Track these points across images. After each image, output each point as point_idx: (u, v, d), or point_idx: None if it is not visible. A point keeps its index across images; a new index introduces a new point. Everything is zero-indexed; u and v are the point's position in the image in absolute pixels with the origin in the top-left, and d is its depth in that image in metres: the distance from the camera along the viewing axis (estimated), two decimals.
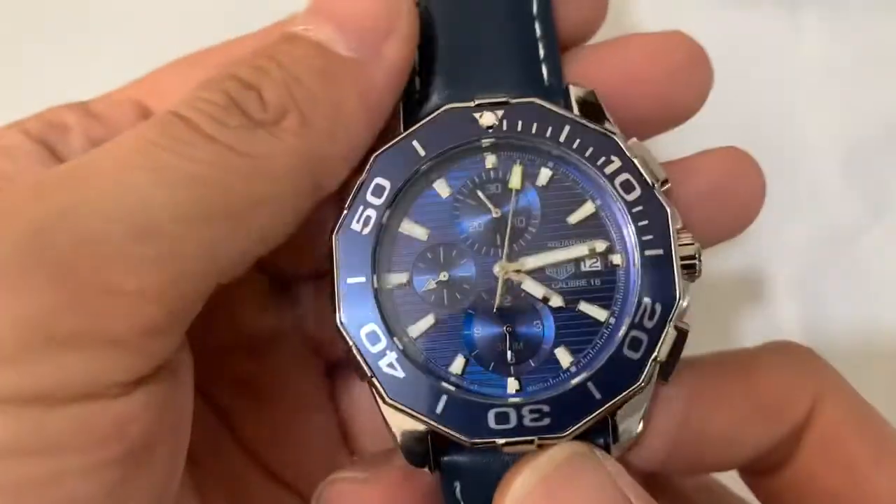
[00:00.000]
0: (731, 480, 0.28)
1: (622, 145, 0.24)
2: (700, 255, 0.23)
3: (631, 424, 0.23)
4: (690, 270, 0.23)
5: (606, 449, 0.23)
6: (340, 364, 0.28)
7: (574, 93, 0.25)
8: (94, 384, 0.18)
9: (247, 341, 0.27)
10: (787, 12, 0.40)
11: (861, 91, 0.39)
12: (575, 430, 0.22)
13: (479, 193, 0.24)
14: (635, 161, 0.23)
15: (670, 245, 0.23)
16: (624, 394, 0.22)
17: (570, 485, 0.21)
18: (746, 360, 0.26)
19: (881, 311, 0.38)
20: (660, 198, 0.23)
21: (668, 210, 0.23)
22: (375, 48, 0.22)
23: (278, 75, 0.21)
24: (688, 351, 0.37)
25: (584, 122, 0.24)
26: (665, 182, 0.24)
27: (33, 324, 0.18)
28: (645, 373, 0.23)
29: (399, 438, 0.23)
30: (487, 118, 0.24)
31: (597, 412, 0.22)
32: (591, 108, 0.24)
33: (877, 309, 0.38)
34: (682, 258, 0.23)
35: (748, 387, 0.25)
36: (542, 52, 0.25)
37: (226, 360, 0.27)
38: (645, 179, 0.23)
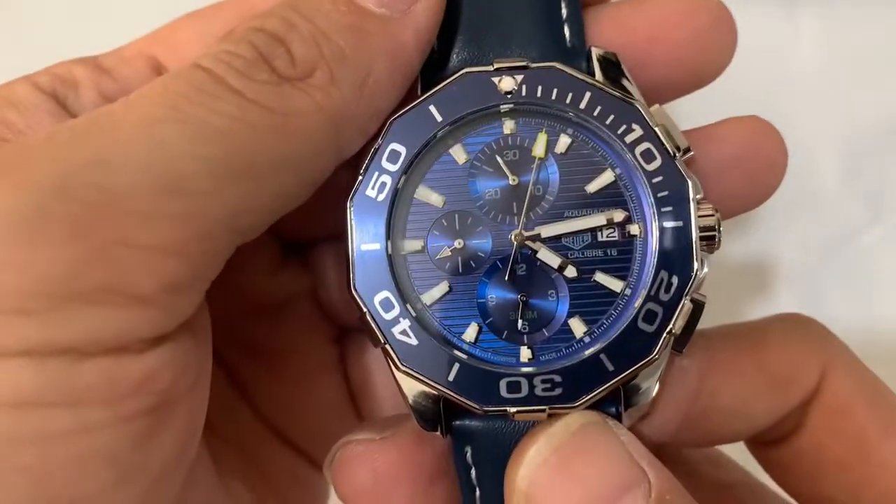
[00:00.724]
0: (737, 452, 0.28)
1: (644, 113, 0.23)
2: (720, 227, 0.23)
3: (646, 390, 0.23)
4: (710, 242, 0.23)
5: (618, 417, 0.23)
6: (352, 330, 0.28)
7: (596, 54, 0.24)
8: (119, 339, 0.18)
9: (258, 305, 0.27)
10: (785, 12, 0.40)
11: (860, 90, 0.39)
12: (587, 400, 0.22)
13: (497, 160, 0.24)
14: (657, 130, 0.23)
15: (689, 217, 0.23)
16: (637, 366, 0.22)
17: (584, 454, 0.21)
18: (757, 333, 0.26)
19: (881, 311, 0.38)
20: (680, 168, 0.23)
21: (689, 181, 0.23)
22: (406, 5, 0.22)
23: (307, 30, 0.21)
24: None
25: (605, 88, 0.23)
26: (687, 151, 0.23)
27: (56, 279, 0.17)
28: (659, 346, 0.22)
29: (411, 402, 0.23)
30: (506, 83, 0.23)
31: (609, 383, 0.22)
32: (614, 70, 0.24)
33: (877, 308, 0.38)
34: (702, 229, 0.23)
35: (759, 359, 0.25)
36: (564, 12, 0.24)
37: (238, 324, 0.27)
38: (666, 149, 0.23)
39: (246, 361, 0.27)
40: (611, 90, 0.23)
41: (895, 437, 0.24)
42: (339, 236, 0.23)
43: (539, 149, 0.24)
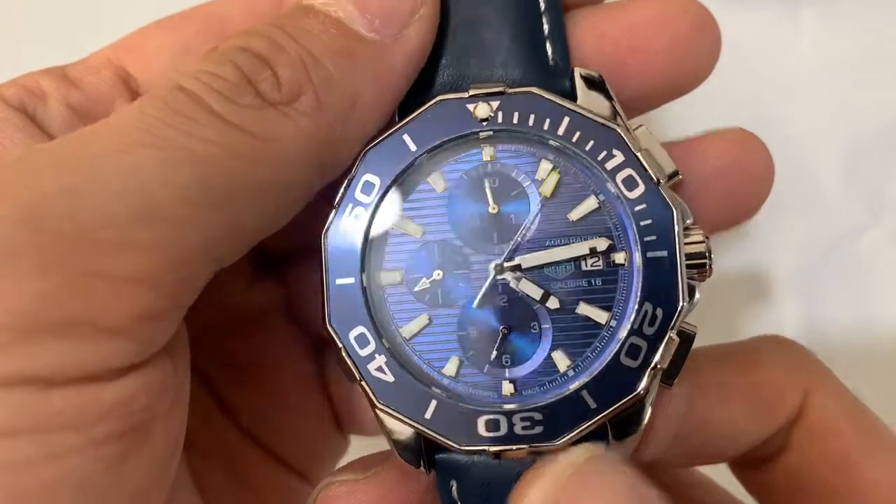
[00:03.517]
0: (721, 476, 0.28)
1: (625, 138, 0.22)
2: (710, 253, 0.22)
3: (633, 425, 0.22)
4: (701, 270, 0.22)
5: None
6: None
7: (580, 75, 0.23)
8: (88, 370, 0.18)
9: (233, 319, 0.27)
10: (787, 11, 0.40)
11: (861, 90, 0.39)
12: (568, 439, 0.22)
13: (477, 187, 0.23)
14: (639, 155, 0.22)
15: (675, 247, 0.22)
16: (620, 403, 0.22)
17: (592, 493, 0.20)
18: (742, 355, 0.25)
19: (881, 311, 0.38)
20: (665, 196, 0.22)
21: (674, 209, 0.22)
22: (397, 30, 0.21)
23: (294, 52, 0.20)
24: None
25: (584, 112, 0.22)
26: (674, 175, 0.23)
27: (23, 311, 0.17)
28: (643, 382, 0.22)
29: (393, 438, 0.22)
30: (482, 110, 0.23)
31: (591, 421, 0.22)
32: (598, 91, 0.23)
33: (877, 309, 0.38)
34: (691, 256, 0.22)
35: (746, 381, 0.25)
36: (546, 29, 0.23)
37: (214, 339, 0.26)
38: (649, 175, 0.22)
39: (225, 376, 0.27)
40: (590, 115, 0.22)
41: (879, 458, 0.24)
42: (310, 248, 0.23)
43: (547, 187, 0.23)
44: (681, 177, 0.23)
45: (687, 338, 0.22)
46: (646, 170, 0.22)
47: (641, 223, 0.22)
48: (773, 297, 0.38)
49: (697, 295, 0.22)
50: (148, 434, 0.19)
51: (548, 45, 0.24)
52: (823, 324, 0.38)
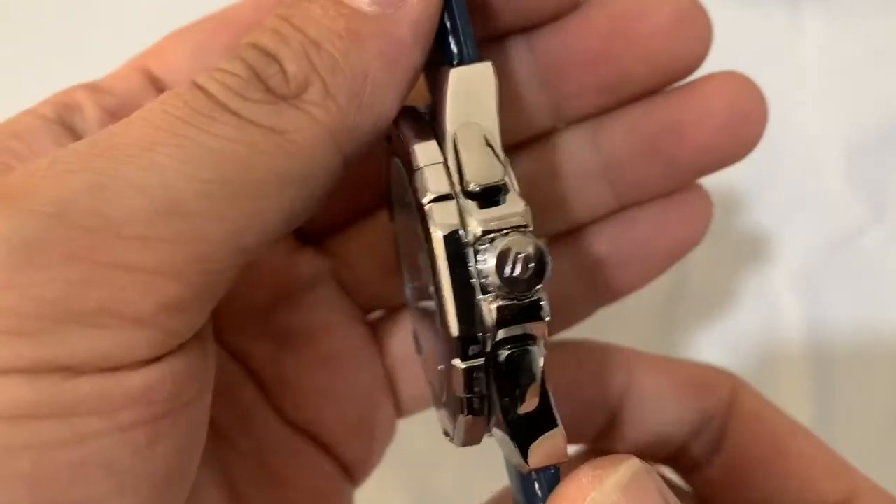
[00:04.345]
0: None
1: None
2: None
3: None
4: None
5: None
6: (383, 308, 0.27)
7: None
8: (114, 359, 0.18)
9: (276, 291, 0.26)
10: (787, 11, 0.40)
11: (862, 90, 0.39)
12: None
13: None
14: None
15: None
16: None
17: None
18: (669, 357, 0.27)
19: (883, 311, 0.38)
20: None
21: None
22: (398, 1, 0.20)
23: (297, 42, 0.20)
24: (688, 349, 0.36)
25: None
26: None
27: (52, 300, 0.17)
28: None
29: None
30: None
31: None
32: None
33: (879, 309, 0.38)
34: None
35: (674, 372, 0.26)
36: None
37: (256, 315, 0.26)
38: None
39: (267, 353, 0.26)
40: None
41: (801, 434, 0.26)
42: (358, 219, 0.23)
43: None
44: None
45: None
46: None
47: None
48: (773, 298, 0.38)
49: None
50: (176, 421, 0.19)
51: None
52: (824, 324, 0.38)
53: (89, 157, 0.19)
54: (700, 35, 0.24)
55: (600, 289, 0.26)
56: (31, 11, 0.41)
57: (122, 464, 0.18)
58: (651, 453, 0.27)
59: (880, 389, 0.36)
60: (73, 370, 0.18)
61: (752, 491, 0.25)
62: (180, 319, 0.19)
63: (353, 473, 0.27)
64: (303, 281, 0.27)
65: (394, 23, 0.20)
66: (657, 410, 0.26)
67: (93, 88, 0.23)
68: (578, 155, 0.25)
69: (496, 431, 0.20)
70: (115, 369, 0.18)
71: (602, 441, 0.26)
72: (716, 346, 0.37)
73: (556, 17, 0.24)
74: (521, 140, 0.25)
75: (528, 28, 0.24)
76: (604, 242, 0.26)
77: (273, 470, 0.26)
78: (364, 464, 0.27)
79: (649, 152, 0.25)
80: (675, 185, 0.25)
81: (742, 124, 0.25)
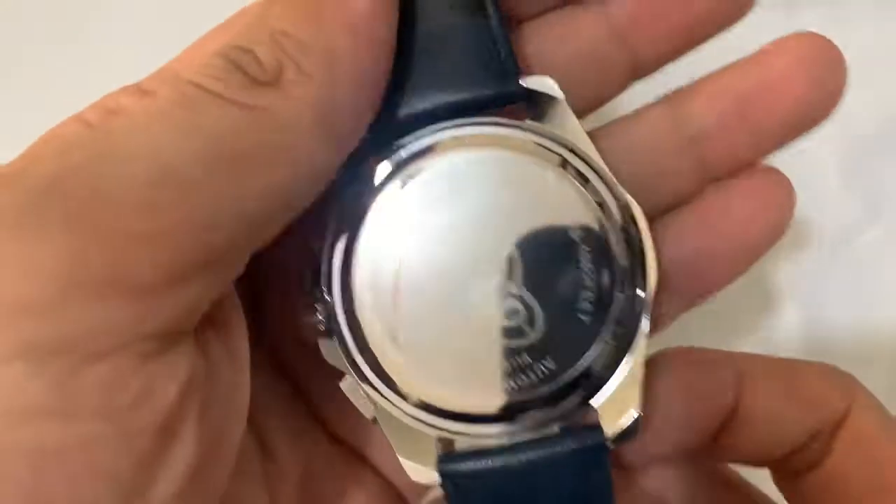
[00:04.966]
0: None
1: None
2: None
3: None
4: None
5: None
6: None
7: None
8: (121, 334, 0.18)
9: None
10: (784, 13, 0.40)
11: (860, 91, 0.39)
12: None
13: None
14: None
15: None
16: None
17: None
18: (786, 362, 0.26)
19: (882, 311, 0.38)
20: None
21: None
22: None
23: (267, 34, 0.21)
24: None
25: None
26: None
27: (52, 272, 0.17)
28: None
29: None
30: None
31: None
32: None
33: (877, 309, 0.38)
34: None
35: (790, 381, 0.25)
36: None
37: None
38: None
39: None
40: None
41: None
42: None
43: None
44: None
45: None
46: None
47: None
48: (772, 298, 0.39)
49: None
50: (188, 430, 0.19)
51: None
52: (823, 324, 0.38)
53: (86, 137, 0.19)
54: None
55: (689, 287, 0.26)
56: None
57: (125, 477, 0.17)
58: (756, 460, 0.26)
59: (878, 388, 0.36)
60: (79, 354, 0.17)
61: None
62: (185, 291, 0.19)
63: (405, 498, 0.27)
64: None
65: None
66: (768, 422, 0.25)
67: (138, 91, 0.23)
68: (661, 131, 0.25)
69: None
70: (122, 351, 0.17)
71: (710, 444, 0.25)
72: (715, 345, 0.37)
73: None
74: (602, 101, 0.25)
75: None
76: (692, 236, 0.25)
77: (320, 492, 0.25)
78: (417, 487, 0.26)
79: (735, 119, 0.24)
80: (760, 154, 0.25)
81: (824, 82, 0.24)
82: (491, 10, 0.23)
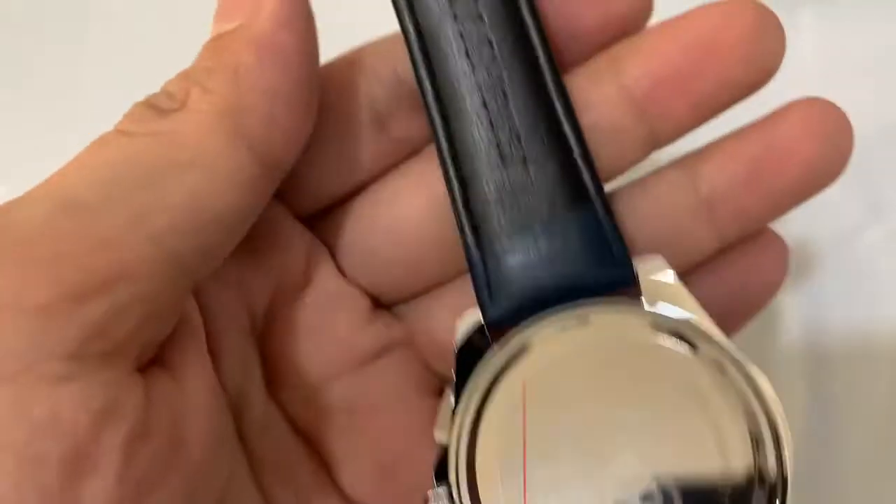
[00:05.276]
0: None
1: None
2: None
3: None
4: None
5: None
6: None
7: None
8: (22, 356, 0.17)
9: (348, 361, 0.25)
10: (785, 13, 0.40)
11: (859, 92, 0.39)
12: None
13: None
14: None
15: None
16: None
17: None
18: None
19: (882, 311, 0.38)
20: None
21: None
22: (253, 8, 0.22)
23: (179, 73, 0.22)
24: None
25: None
26: None
27: None
28: None
29: None
30: None
31: None
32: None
33: (878, 308, 0.38)
34: None
35: None
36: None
37: (326, 385, 0.25)
38: None
39: (331, 425, 0.25)
40: None
41: None
42: (436, 286, 0.24)
43: None
44: None
45: None
46: None
47: None
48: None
49: None
50: (103, 468, 0.17)
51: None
52: (823, 324, 0.38)
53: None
54: (777, 39, 0.25)
55: None
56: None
57: None
58: None
59: (878, 388, 0.36)
60: None
61: None
62: (91, 309, 0.18)
63: None
64: (372, 353, 0.26)
65: (254, 23, 0.22)
66: None
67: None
68: (678, 193, 0.25)
69: None
70: (30, 373, 0.17)
71: None
72: None
73: (631, 24, 0.25)
74: (621, 172, 0.25)
75: (609, 43, 0.24)
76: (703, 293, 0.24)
77: None
78: None
79: (750, 180, 0.24)
80: (774, 216, 0.26)
81: (833, 147, 0.25)
82: (596, 198, 0.23)
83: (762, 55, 0.24)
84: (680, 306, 0.22)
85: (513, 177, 0.22)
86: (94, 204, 0.19)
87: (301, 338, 0.25)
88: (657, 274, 0.22)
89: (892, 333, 0.38)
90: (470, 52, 0.23)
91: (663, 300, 0.22)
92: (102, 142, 0.21)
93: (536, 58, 0.23)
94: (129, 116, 0.21)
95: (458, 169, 0.23)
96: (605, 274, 0.22)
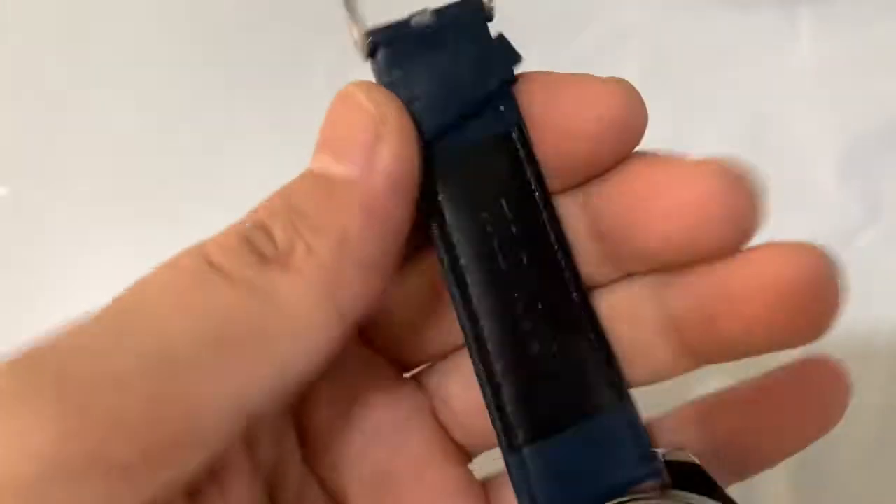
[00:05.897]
0: None
1: None
2: None
3: None
4: None
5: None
6: (484, 447, 0.26)
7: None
8: None
9: (372, 429, 0.25)
10: (784, 13, 0.40)
11: (857, 93, 0.39)
12: None
13: None
14: None
15: None
16: None
17: None
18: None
19: (880, 311, 0.38)
20: None
21: None
22: (366, 155, 0.21)
23: (284, 211, 0.21)
24: None
25: None
26: None
27: (38, 451, 0.17)
28: None
29: None
30: None
31: None
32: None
33: (876, 309, 0.38)
34: None
35: None
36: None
37: (352, 456, 0.25)
38: None
39: (361, 496, 0.25)
40: None
41: None
42: (453, 353, 0.23)
43: None
44: None
45: None
46: None
47: None
48: None
49: None
50: None
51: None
52: None
53: (90, 326, 0.19)
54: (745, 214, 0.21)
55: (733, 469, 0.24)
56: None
57: None
58: None
59: (876, 390, 0.36)
60: None
61: None
62: (165, 472, 0.19)
63: None
64: (396, 422, 0.25)
65: (368, 177, 0.21)
66: None
67: (168, 264, 0.23)
68: (640, 308, 0.23)
69: None
70: None
71: None
72: None
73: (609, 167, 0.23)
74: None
75: (582, 183, 0.23)
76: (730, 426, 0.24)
77: None
78: None
79: (705, 319, 0.22)
80: (738, 358, 0.23)
81: (803, 303, 0.21)
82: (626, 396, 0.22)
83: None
84: (707, 496, 0.22)
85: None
86: (192, 361, 0.19)
87: (335, 407, 0.24)
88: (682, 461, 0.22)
89: (891, 333, 0.38)
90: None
91: (691, 490, 0.22)
92: (201, 278, 0.20)
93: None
94: (224, 248, 0.21)
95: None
96: (636, 472, 0.22)
